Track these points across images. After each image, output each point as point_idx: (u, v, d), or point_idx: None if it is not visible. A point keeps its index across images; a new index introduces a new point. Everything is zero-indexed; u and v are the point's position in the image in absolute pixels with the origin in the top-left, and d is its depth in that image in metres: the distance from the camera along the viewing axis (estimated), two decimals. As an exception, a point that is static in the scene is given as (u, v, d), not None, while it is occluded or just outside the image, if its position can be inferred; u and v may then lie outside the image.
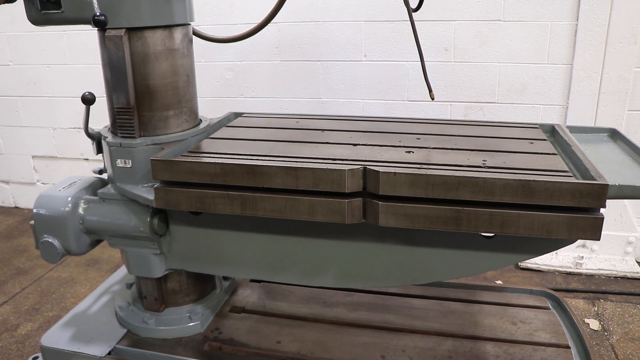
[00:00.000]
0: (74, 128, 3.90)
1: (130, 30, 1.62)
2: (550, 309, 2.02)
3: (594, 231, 1.30)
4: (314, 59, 3.29)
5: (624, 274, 3.01)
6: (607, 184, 1.27)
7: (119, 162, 1.70)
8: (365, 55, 3.21)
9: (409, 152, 1.61)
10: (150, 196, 1.61)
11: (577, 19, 2.85)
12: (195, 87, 1.84)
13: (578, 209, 1.30)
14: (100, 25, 1.57)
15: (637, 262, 3.11)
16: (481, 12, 2.98)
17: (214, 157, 1.60)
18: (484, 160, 1.52)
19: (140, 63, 1.66)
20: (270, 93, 3.42)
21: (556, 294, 2.09)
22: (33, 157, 4.11)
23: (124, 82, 1.64)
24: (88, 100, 1.68)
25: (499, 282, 3.00)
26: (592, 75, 2.90)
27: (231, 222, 1.71)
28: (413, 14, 1.74)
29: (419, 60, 1.79)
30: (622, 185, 1.35)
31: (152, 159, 1.55)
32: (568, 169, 1.45)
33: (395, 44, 3.14)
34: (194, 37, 1.86)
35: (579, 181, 1.30)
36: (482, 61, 3.06)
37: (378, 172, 1.37)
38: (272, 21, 1.96)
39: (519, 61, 3.02)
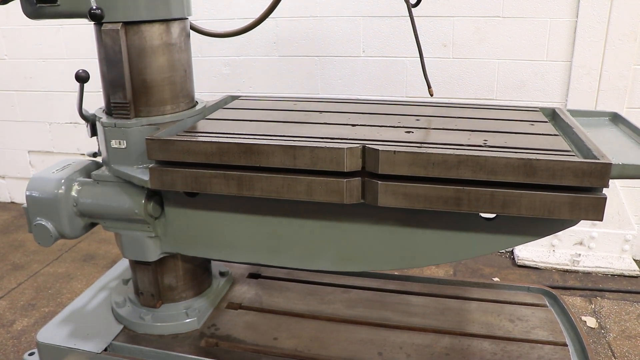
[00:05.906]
0: (71, 123, 3.89)
1: (127, 24, 1.60)
2: (547, 306, 2.02)
3: (596, 211, 1.27)
4: (312, 54, 3.27)
5: (621, 271, 3.02)
6: (611, 163, 1.25)
7: (114, 143, 1.67)
8: (363, 51, 3.20)
9: (409, 132, 1.58)
10: (145, 177, 1.58)
11: (577, 16, 2.85)
12: (192, 82, 1.83)
13: (580, 188, 1.28)
14: (97, 19, 1.55)
15: (634, 259, 3.11)
16: (480, 8, 2.97)
17: (211, 136, 1.56)
18: (484, 140, 1.48)
19: (136, 57, 1.64)
20: (267, 88, 3.41)
21: (553, 291, 2.09)
22: (29, 152, 4.09)
23: (120, 77, 1.62)
24: (82, 78, 1.63)
25: (496, 279, 3.00)
26: (591, 72, 2.90)
27: (227, 204, 1.67)
28: (412, 9, 1.73)
29: (418, 56, 1.78)
30: (626, 164, 1.33)
31: (147, 138, 1.52)
32: (570, 149, 1.42)
33: (394, 40, 3.13)
34: (191, 31, 1.85)
35: (582, 160, 1.27)
36: (481, 57, 3.05)
37: (377, 150, 1.34)
38: (270, 16, 1.94)
39: (518, 58, 3.01)
